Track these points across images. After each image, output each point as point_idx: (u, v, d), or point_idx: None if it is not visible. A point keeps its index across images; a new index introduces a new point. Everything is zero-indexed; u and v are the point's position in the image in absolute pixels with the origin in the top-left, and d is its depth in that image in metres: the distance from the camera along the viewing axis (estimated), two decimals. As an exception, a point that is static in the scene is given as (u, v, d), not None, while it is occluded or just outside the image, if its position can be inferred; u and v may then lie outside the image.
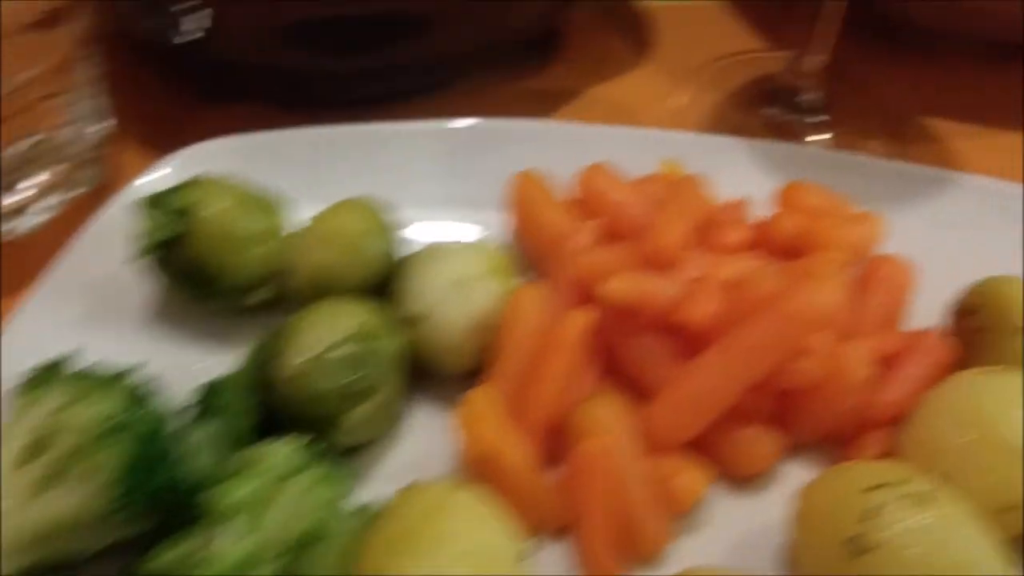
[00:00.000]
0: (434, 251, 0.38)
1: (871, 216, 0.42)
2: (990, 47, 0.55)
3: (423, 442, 0.37)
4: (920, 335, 0.39)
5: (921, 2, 0.52)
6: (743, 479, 0.37)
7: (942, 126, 0.52)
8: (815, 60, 0.50)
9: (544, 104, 0.52)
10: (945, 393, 0.35)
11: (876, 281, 0.40)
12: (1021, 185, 0.44)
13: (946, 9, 0.51)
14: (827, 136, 0.51)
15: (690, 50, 0.56)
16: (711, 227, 0.40)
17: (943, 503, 0.32)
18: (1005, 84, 0.54)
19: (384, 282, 0.38)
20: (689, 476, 0.35)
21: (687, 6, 0.58)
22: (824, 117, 0.51)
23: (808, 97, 0.51)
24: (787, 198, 0.42)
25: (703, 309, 0.36)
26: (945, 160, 0.51)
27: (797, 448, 0.38)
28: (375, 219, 0.39)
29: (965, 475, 0.34)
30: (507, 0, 0.49)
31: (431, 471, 0.36)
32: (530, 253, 0.41)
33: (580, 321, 0.35)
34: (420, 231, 0.40)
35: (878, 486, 0.32)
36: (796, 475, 0.37)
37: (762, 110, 0.52)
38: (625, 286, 0.36)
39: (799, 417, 0.37)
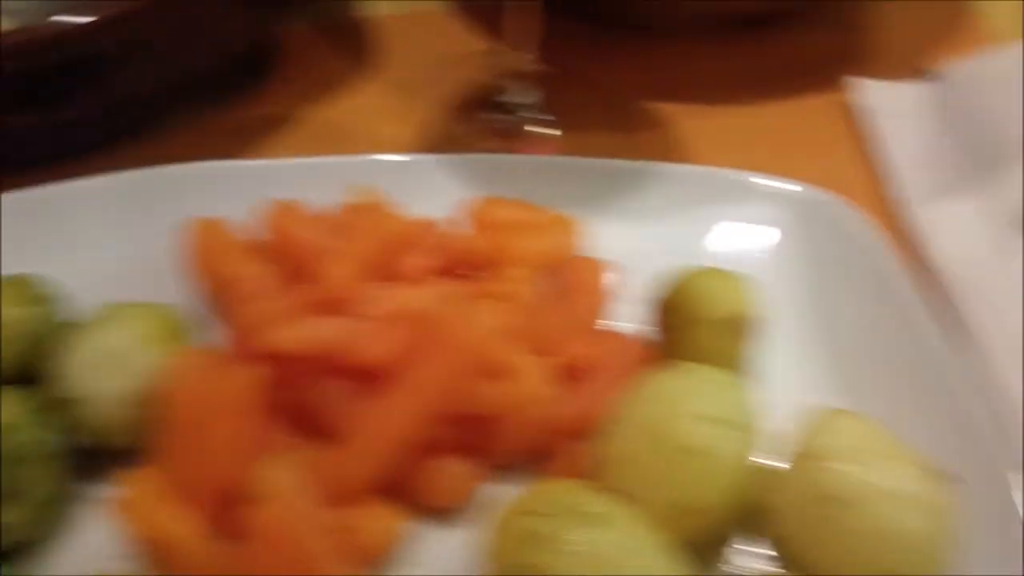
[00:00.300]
0: (93, 322, 0.36)
1: (569, 220, 0.42)
2: (708, 22, 0.55)
3: (99, 531, 0.35)
4: (617, 339, 0.39)
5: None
6: (444, 513, 0.36)
7: (668, 109, 0.53)
8: (523, 57, 0.49)
9: (256, 135, 0.50)
10: (627, 399, 0.35)
11: (574, 287, 0.40)
12: (730, 171, 0.45)
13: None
14: (554, 134, 0.50)
15: (418, 61, 0.54)
16: (398, 255, 0.38)
17: (618, 522, 0.31)
18: (725, 59, 0.55)
19: (42, 364, 0.36)
20: (380, 521, 0.34)
21: (414, 14, 0.57)
22: (548, 116, 0.51)
23: (526, 98, 0.50)
24: (475, 214, 0.41)
25: (374, 348, 0.35)
26: (673, 145, 0.51)
27: (511, 472, 0.37)
28: (27, 296, 0.36)
29: (644, 483, 0.33)
30: (197, 28, 0.47)
31: (110, 562, 0.34)
32: (215, 309, 0.40)
33: (242, 379, 0.34)
34: (89, 301, 0.38)
35: (545, 512, 0.31)
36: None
37: (487, 116, 0.51)
38: (293, 334, 0.35)
39: (492, 441, 0.36)
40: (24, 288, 0.37)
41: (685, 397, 0.34)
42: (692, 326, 0.37)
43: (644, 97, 0.53)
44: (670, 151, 0.51)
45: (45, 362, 0.35)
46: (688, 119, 0.52)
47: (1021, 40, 0.53)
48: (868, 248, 0.40)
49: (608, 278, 0.41)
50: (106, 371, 0.34)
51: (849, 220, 0.41)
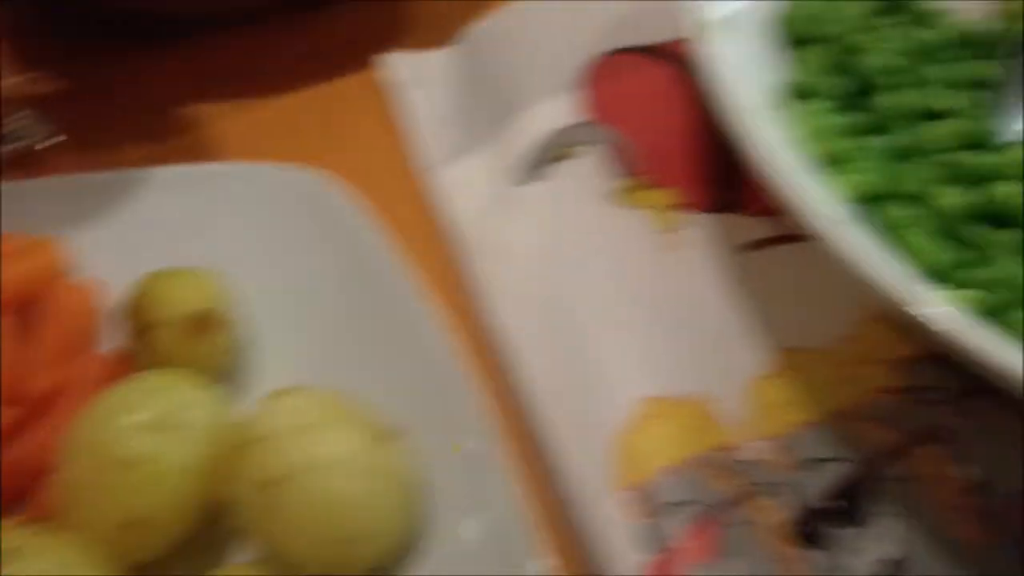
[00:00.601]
0: None
1: (45, 244, 0.41)
2: (234, 16, 0.55)
3: None
4: (88, 361, 0.38)
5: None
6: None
7: (204, 110, 0.52)
8: (21, 79, 0.47)
9: None
10: (78, 422, 0.35)
11: (51, 314, 0.39)
12: (221, 164, 0.45)
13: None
14: (63, 146, 0.49)
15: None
16: None
17: (33, 554, 0.31)
18: (259, 51, 0.55)
19: None
20: None
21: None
22: (60, 135, 0.49)
23: (33, 121, 0.49)
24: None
25: None
26: (207, 145, 0.51)
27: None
28: None
29: (89, 505, 0.33)
30: None
31: None
32: None
33: None
34: None
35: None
36: None
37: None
38: None
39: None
40: None
41: (123, 408, 0.34)
42: (152, 330, 0.37)
43: (175, 102, 0.52)
44: (204, 152, 0.51)
45: None
46: (225, 118, 0.52)
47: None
48: (350, 223, 0.41)
49: (93, 298, 0.40)
50: None
51: (333, 197, 0.42)
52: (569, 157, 0.46)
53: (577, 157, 0.46)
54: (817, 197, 0.34)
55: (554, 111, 0.48)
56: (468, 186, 0.47)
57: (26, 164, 0.49)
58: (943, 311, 0.33)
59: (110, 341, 0.39)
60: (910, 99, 0.42)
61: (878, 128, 0.41)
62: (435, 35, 0.55)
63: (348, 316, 0.40)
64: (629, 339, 0.41)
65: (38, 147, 0.49)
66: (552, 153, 0.46)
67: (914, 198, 0.39)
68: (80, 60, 0.52)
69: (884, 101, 0.41)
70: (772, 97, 0.39)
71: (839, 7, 0.42)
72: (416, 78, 0.53)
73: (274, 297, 0.40)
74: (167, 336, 0.37)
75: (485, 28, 0.53)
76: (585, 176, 0.45)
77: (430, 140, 0.50)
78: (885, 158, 0.40)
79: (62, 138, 0.48)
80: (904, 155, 0.41)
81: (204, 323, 0.37)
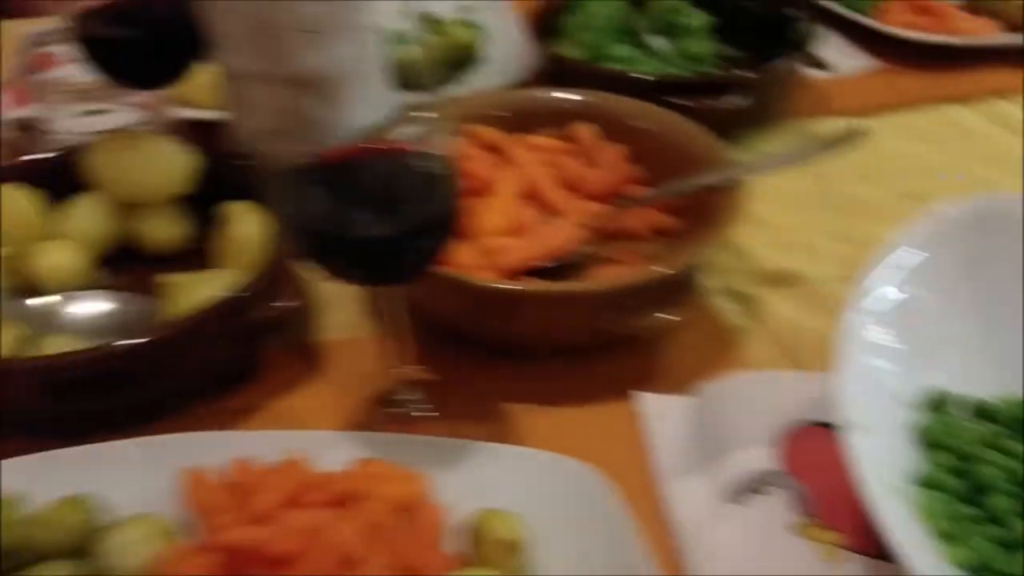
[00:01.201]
0: (118, 524, 0.63)
1: (415, 476, 0.69)
2: (542, 350, 0.85)
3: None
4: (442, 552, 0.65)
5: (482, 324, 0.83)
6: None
7: (515, 408, 0.81)
8: (414, 369, 0.78)
9: (240, 418, 0.80)
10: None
11: (422, 520, 0.67)
12: (527, 448, 0.72)
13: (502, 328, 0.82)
14: (434, 418, 0.79)
15: (351, 371, 0.85)
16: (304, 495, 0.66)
17: None
18: (556, 376, 0.85)
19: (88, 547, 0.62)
20: None
21: (349, 340, 0.88)
22: (431, 408, 0.79)
23: (415, 396, 0.79)
24: (355, 466, 0.69)
25: (282, 545, 0.61)
26: (514, 432, 0.79)
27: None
28: (80, 507, 0.65)
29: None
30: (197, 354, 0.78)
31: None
32: (196, 519, 0.67)
33: (205, 560, 0.60)
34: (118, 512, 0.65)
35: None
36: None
37: (391, 409, 0.80)
38: (239, 534, 0.62)
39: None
40: (79, 503, 0.64)
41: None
42: (483, 544, 0.64)
43: (501, 398, 0.82)
44: (515, 437, 0.79)
45: (90, 546, 0.62)
46: (528, 416, 0.81)
47: (765, 370, 0.82)
48: (606, 505, 0.67)
49: (442, 516, 0.67)
50: (127, 554, 0.61)
51: (597, 484, 0.68)
52: (763, 492, 0.70)
53: (768, 494, 0.70)
54: (927, 562, 0.55)
55: (756, 457, 0.73)
56: (689, 498, 0.72)
57: (404, 422, 0.79)
58: None
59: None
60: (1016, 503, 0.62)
61: (990, 519, 0.61)
62: (678, 382, 0.83)
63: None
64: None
65: (413, 414, 0.79)
66: (751, 487, 0.71)
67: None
68: (454, 364, 0.84)
69: (996, 502, 0.62)
70: (905, 482, 0.61)
71: (966, 427, 0.65)
72: (660, 414, 0.80)
73: (543, 544, 0.66)
74: (492, 549, 0.63)
75: (714, 386, 0.80)
76: (773, 509, 0.69)
77: (665, 459, 0.76)
78: (992, 543, 0.60)
79: (435, 413, 0.79)
80: (1010, 544, 0.60)
81: (514, 546, 0.63)
